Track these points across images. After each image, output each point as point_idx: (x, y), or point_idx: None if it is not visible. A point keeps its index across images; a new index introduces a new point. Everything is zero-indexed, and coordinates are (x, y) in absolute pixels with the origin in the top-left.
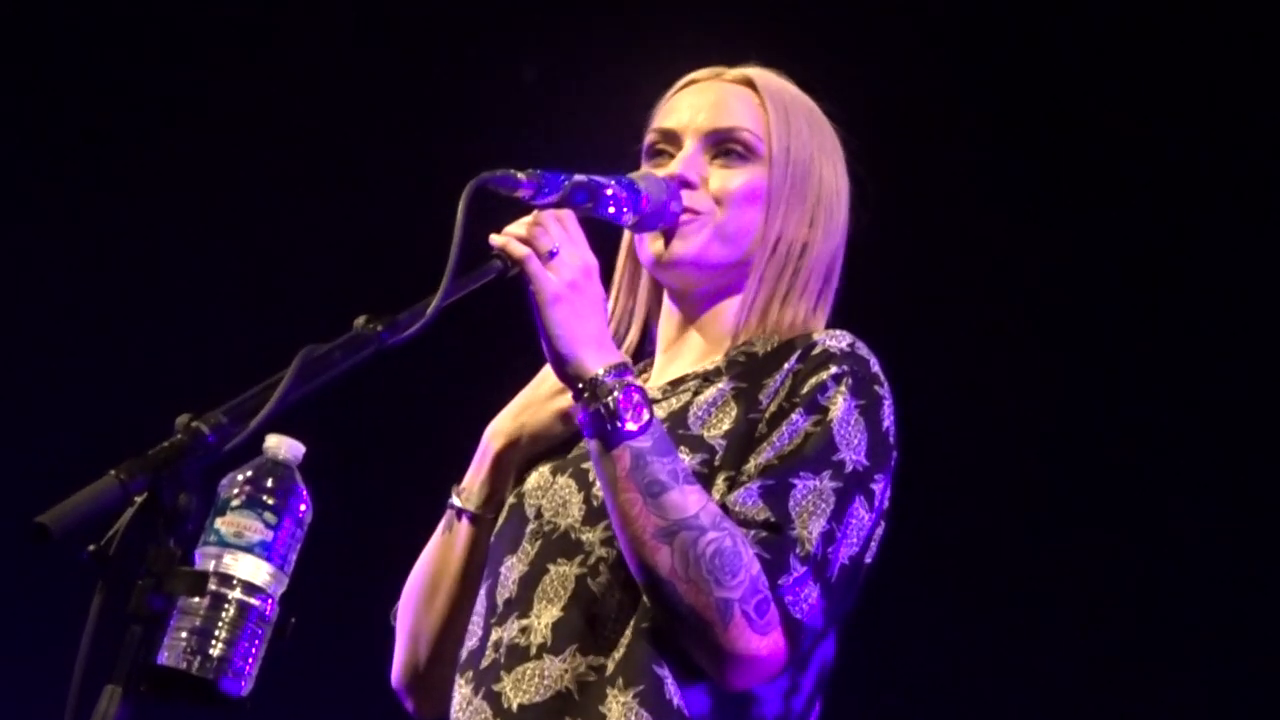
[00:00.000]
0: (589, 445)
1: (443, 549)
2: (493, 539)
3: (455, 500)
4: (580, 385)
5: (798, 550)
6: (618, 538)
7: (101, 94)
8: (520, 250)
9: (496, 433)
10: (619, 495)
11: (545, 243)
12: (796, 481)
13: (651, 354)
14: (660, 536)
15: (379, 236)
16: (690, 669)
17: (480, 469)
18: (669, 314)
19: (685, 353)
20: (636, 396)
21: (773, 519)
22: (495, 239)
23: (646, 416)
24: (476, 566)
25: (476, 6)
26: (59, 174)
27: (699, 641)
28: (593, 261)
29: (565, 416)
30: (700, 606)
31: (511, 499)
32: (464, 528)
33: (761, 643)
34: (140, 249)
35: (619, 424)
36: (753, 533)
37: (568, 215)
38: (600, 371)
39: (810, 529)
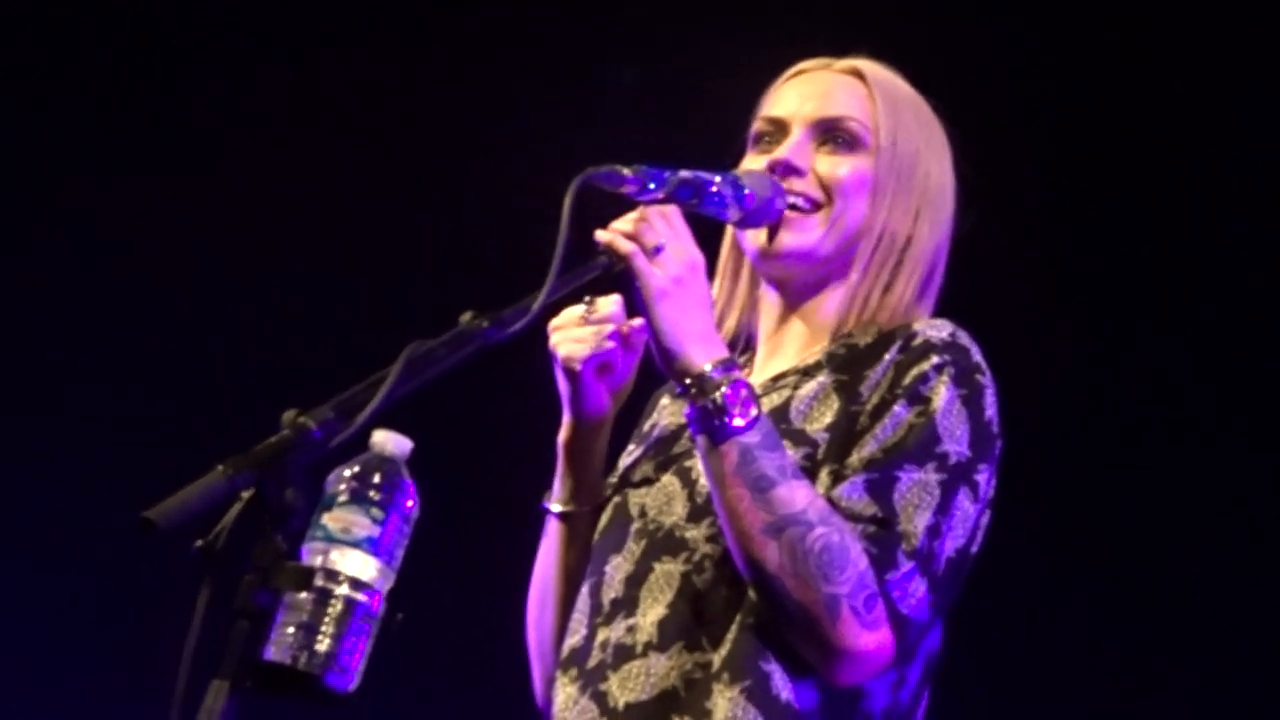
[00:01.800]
0: (696, 441)
1: (544, 556)
2: (596, 538)
3: (545, 504)
4: (688, 381)
5: (904, 545)
6: (725, 534)
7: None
8: (626, 246)
9: (562, 429)
10: (726, 491)
11: (651, 238)
12: (901, 475)
13: (752, 347)
14: (768, 532)
15: (486, 234)
16: (797, 663)
17: (559, 466)
18: (770, 306)
19: (786, 345)
20: (744, 392)
21: (879, 514)
22: (601, 235)
23: (754, 412)
24: (577, 566)
25: (578, 7)
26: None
27: (806, 637)
28: (699, 257)
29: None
30: (808, 602)
31: (616, 498)
32: (556, 529)
33: (869, 638)
34: (252, 242)
35: (727, 419)
36: (859, 528)
37: (673, 211)
38: (708, 367)
39: (916, 523)
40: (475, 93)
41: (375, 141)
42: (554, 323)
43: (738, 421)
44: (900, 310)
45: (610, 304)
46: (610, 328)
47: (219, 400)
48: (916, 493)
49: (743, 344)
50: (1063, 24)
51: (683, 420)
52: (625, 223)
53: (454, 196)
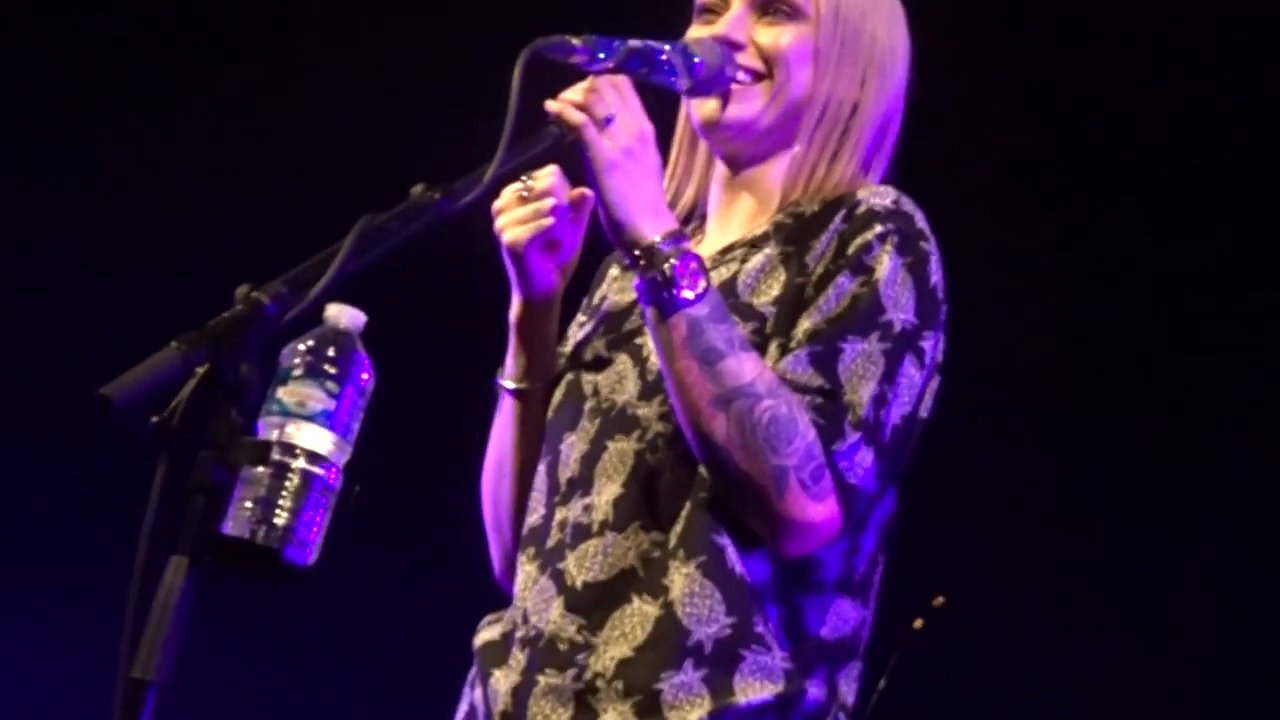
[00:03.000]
0: (645, 313)
1: (498, 432)
2: (550, 415)
3: (498, 380)
4: (637, 252)
5: (850, 416)
6: (674, 406)
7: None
8: (576, 117)
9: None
10: (675, 363)
11: (601, 109)
12: (845, 346)
13: (703, 219)
14: (716, 404)
15: (436, 106)
16: (750, 537)
17: (510, 343)
18: (719, 179)
19: (734, 217)
20: (693, 264)
21: (825, 385)
22: (551, 105)
23: (703, 284)
24: (532, 441)
25: None
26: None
27: (755, 509)
28: (649, 128)
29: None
30: (756, 474)
31: (569, 375)
32: (510, 405)
33: (817, 509)
34: (190, 125)
35: (675, 291)
36: (806, 399)
37: (623, 81)
38: (657, 238)
39: (861, 393)
40: None
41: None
42: (496, 205)
43: (686, 293)
44: (847, 179)
45: (548, 176)
46: (550, 202)
47: (172, 276)
48: (861, 363)
49: (697, 217)
50: None
51: (633, 296)
52: (575, 93)
53: (406, 68)
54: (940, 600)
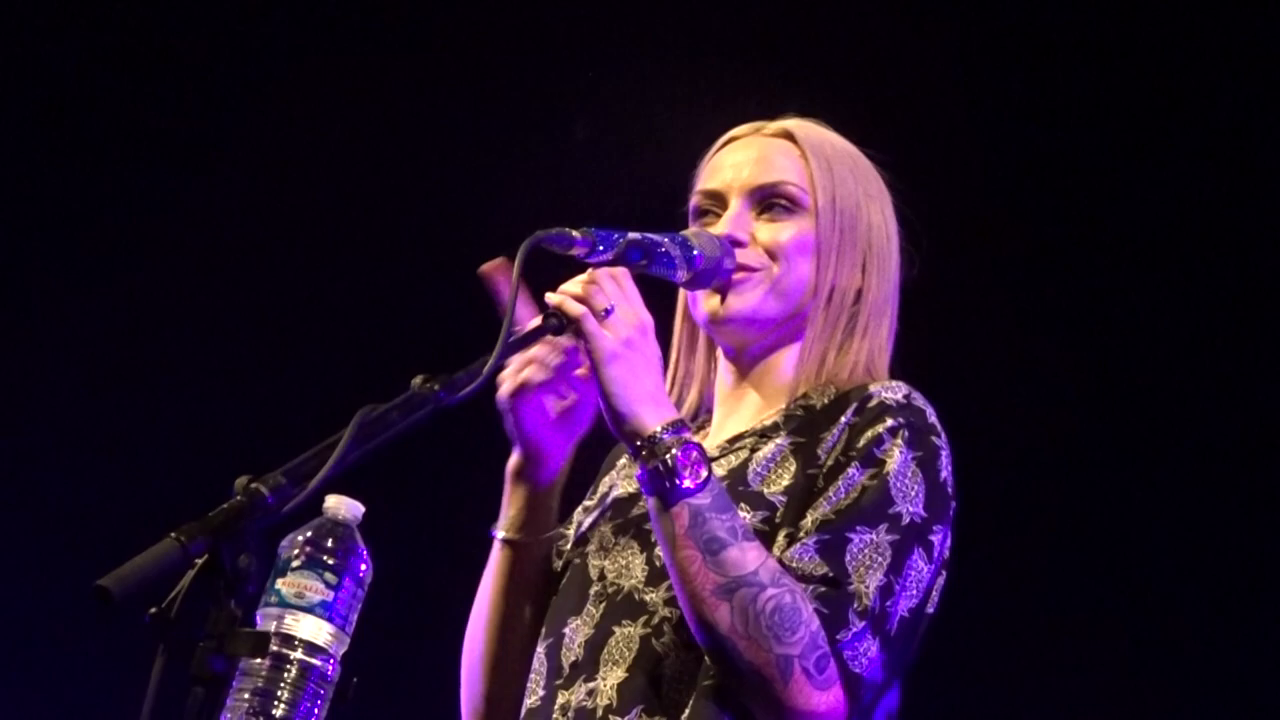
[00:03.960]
0: (648, 502)
1: (485, 581)
2: (554, 599)
3: (492, 531)
4: (638, 443)
5: (855, 605)
6: (677, 595)
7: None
8: (576, 309)
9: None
10: (678, 553)
11: (601, 301)
12: (853, 536)
13: (709, 413)
14: (719, 594)
15: (434, 297)
16: None
17: (505, 492)
18: (725, 371)
19: (743, 409)
20: (695, 454)
21: (830, 574)
22: (551, 297)
23: (705, 474)
24: (517, 594)
25: (526, 65)
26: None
27: (760, 698)
28: (648, 319)
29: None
30: (760, 664)
31: (574, 560)
32: (500, 555)
33: (822, 698)
34: (193, 308)
35: (677, 481)
36: (811, 588)
37: (622, 273)
38: (658, 429)
39: (867, 583)
40: (424, 149)
41: (325, 197)
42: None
43: (688, 483)
44: (859, 365)
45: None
46: (535, 355)
47: (172, 470)
48: (868, 553)
49: (703, 413)
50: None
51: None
52: (575, 285)
53: (404, 256)
54: None
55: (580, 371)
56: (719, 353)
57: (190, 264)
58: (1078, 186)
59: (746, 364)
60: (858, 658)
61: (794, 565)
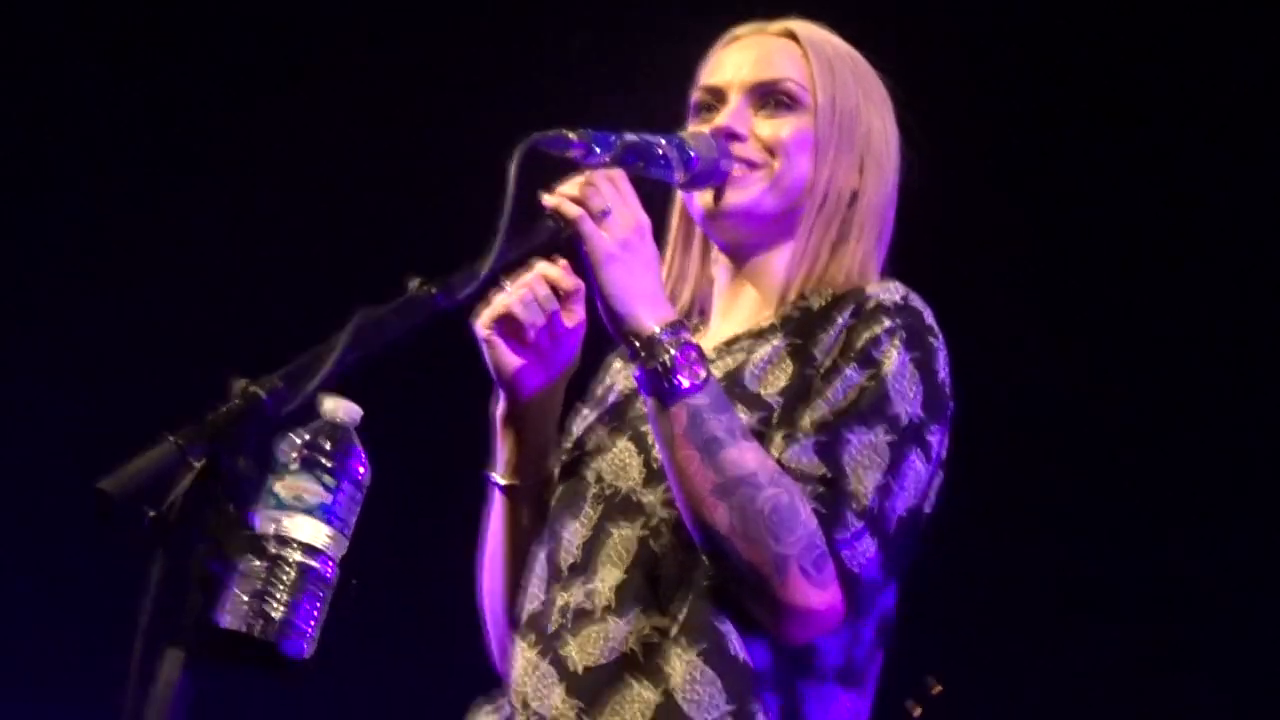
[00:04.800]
0: (646, 403)
1: (490, 528)
2: (553, 502)
3: (488, 474)
4: (637, 343)
5: (853, 505)
6: (674, 496)
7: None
8: (573, 210)
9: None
10: (676, 453)
11: (598, 202)
12: (851, 436)
13: (705, 315)
14: (717, 493)
15: (432, 200)
16: (753, 624)
17: (495, 438)
18: (721, 270)
19: (739, 309)
20: (693, 354)
21: (828, 474)
22: (548, 199)
23: (703, 374)
24: (523, 536)
25: None
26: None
27: (757, 597)
28: (645, 220)
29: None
30: (758, 562)
31: (571, 463)
32: (500, 500)
33: (819, 597)
34: (192, 215)
35: (675, 381)
36: (809, 488)
37: (619, 174)
38: (656, 329)
39: (865, 483)
40: (424, 59)
41: (322, 108)
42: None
43: (686, 383)
44: (853, 269)
45: (532, 272)
46: (513, 296)
47: (170, 370)
48: (866, 453)
49: (696, 314)
50: None
51: (635, 385)
52: (572, 187)
53: (404, 163)
54: (938, 688)
55: (567, 319)
56: (714, 253)
57: (174, 166)
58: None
59: (741, 263)
60: (855, 557)
61: (792, 466)
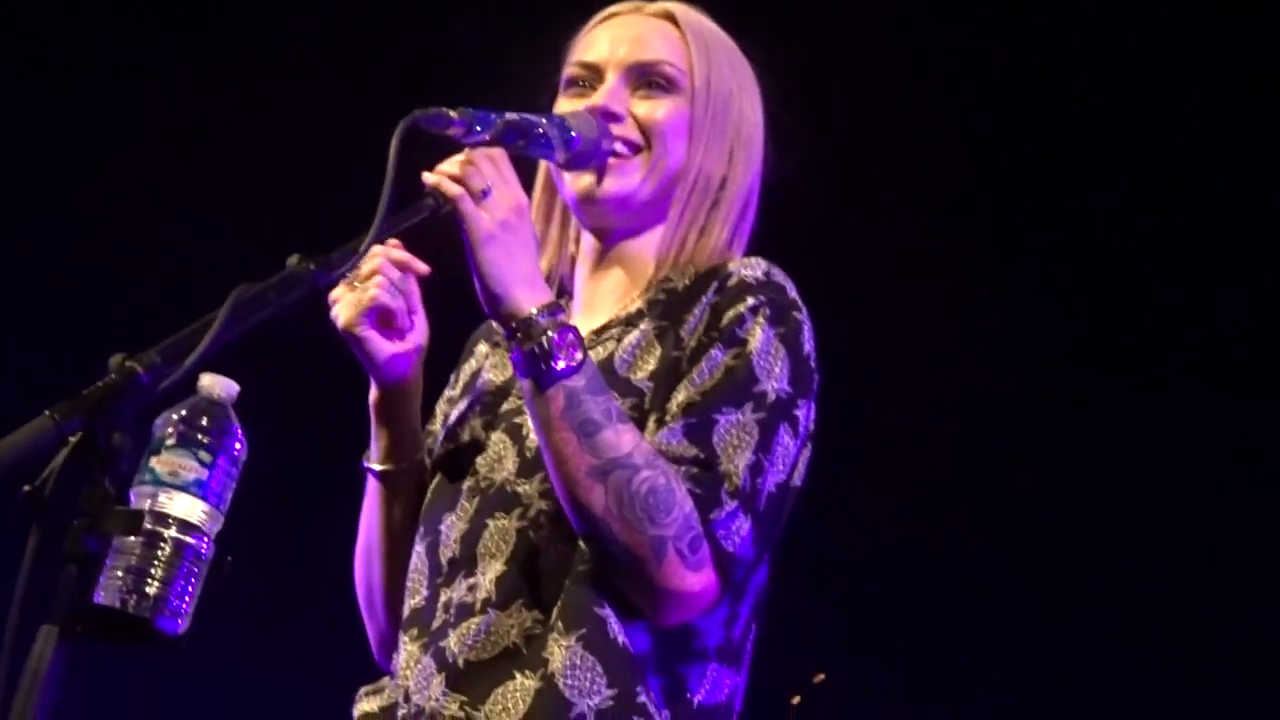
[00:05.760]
0: (522, 385)
1: (367, 514)
2: (428, 497)
3: (364, 463)
4: (514, 325)
5: (726, 485)
6: (551, 478)
7: None
8: (453, 189)
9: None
10: (553, 435)
11: (478, 182)
12: (719, 417)
13: (567, 292)
14: (594, 475)
15: (312, 177)
16: (631, 608)
17: (372, 426)
18: (587, 252)
19: (605, 293)
20: (570, 336)
21: (700, 455)
22: (428, 178)
23: (580, 356)
24: (401, 521)
25: None
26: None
27: (633, 580)
28: (525, 201)
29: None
30: (634, 544)
31: (444, 457)
32: (377, 487)
33: (695, 579)
34: (76, 187)
35: (553, 363)
36: (683, 469)
37: (500, 154)
38: (534, 311)
39: (736, 462)
40: (307, 38)
41: (207, 89)
42: (331, 296)
43: (562, 364)
44: (716, 252)
45: (373, 259)
46: (375, 281)
47: (46, 347)
48: (736, 433)
49: (556, 287)
50: None
51: (507, 374)
52: (451, 165)
53: (285, 145)
54: (820, 677)
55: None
56: (582, 236)
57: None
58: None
59: (609, 246)
60: (730, 537)
61: (664, 448)
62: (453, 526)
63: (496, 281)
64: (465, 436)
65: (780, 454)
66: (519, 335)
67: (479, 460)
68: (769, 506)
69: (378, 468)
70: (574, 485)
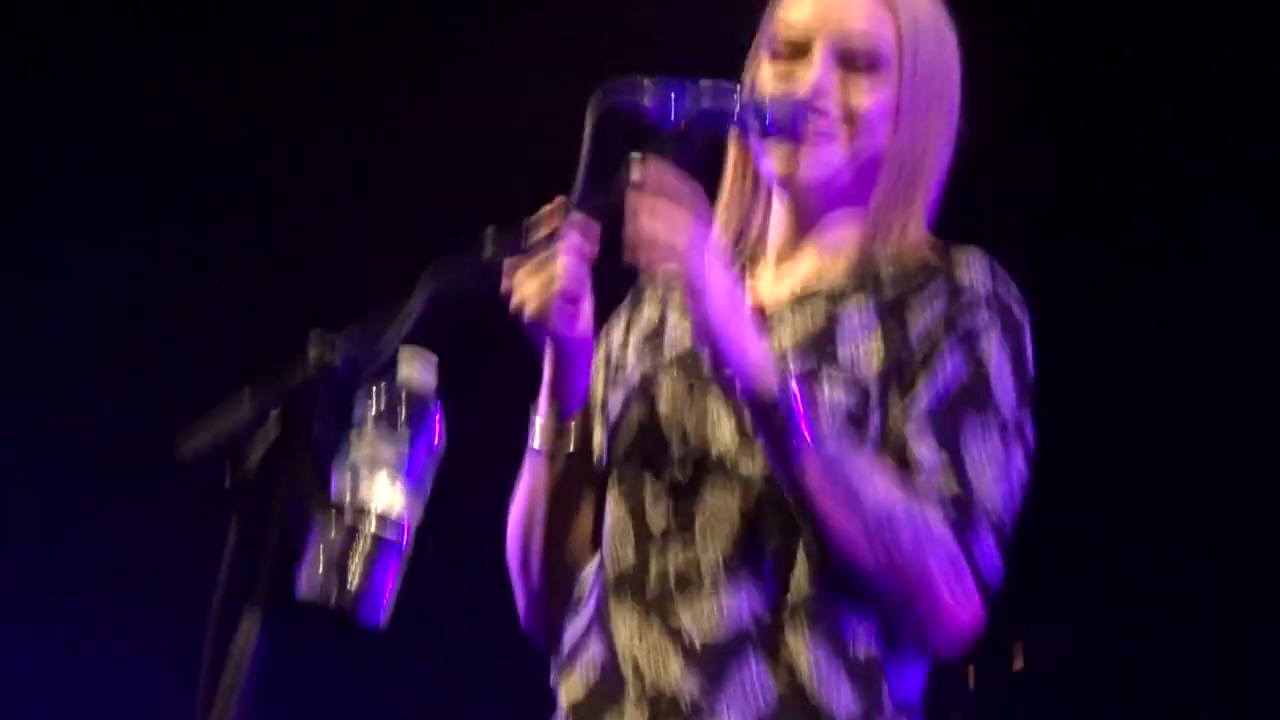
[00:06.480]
0: (763, 447)
1: (528, 486)
2: (624, 445)
3: (530, 441)
4: (757, 406)
5: (984, 517)
6: (804, 522)
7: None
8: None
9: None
10: (809, 498)
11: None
12: (970, 441)
13: (757, 237)
14: (861, 536)
15: (512, 149)
16: (865, 604)
17: (542, 406)
18: (782, 218)
19: (800, 262)
20: (804, 402)
21: (956, 483)
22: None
23: (825, 424)
24: (564, 499)
25: None
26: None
27: (909, 623)
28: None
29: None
30: (908, 596)
31: (640, 408)
32: (541, 464)
33: (967, 610)
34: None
35: (802, 438)
36: (939, 496)
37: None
38: (776, 390)
39: (990, 490)
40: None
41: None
42: (505, 283)
43: (810, 435)
44: (917, 226)
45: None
46: (560, 263)
47: (249, 324)
48: (985, 460)
49: (746, 241)
50: None
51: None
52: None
53: (460, 119)
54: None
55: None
56: (777, 194)
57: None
58: None
59: (806, 219)
60: (988, 566)
61: (920, 479)
62: (664, 491)
63: (728, 355)
64: (664, 394)
65: (1018, 477)
66: (760, 413)
67: (687, 423)
68: (1010, 528)
69: (546, 448)
70: (839, 540)
